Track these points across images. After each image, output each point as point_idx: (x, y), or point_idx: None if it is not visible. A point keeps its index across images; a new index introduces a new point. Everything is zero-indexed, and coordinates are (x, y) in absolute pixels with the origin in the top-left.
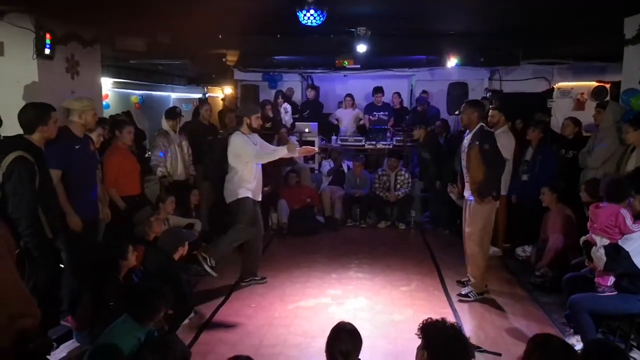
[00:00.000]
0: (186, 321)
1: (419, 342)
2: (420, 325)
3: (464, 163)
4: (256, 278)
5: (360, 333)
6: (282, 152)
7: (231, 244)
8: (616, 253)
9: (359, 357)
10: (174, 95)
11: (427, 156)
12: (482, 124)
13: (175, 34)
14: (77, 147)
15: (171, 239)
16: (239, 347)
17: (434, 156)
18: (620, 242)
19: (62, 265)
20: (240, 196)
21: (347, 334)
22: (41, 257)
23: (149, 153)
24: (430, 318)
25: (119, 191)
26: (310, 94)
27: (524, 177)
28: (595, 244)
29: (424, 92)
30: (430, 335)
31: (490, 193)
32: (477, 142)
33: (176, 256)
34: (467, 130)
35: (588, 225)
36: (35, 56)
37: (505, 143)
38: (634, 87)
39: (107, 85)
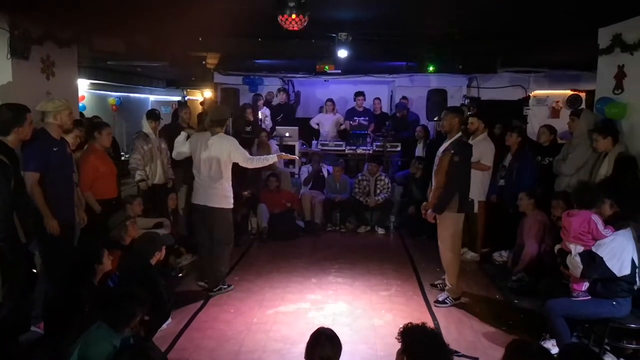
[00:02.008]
0: (163, 327)
1: (398, 346)
2: (400, 329)
3: (434, 167)
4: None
5: (340, 338)
6: (273, 159)
7: (227, 261)
8: (592, 260)
9: None
10: (152, 98)
11: (416, 192)
12: (462, 134)
13: (155, 36)
14: (55, 149)
15: (148, 243)
16: (217, 353)
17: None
18: (593, 249)
19: (35, 270)
20: (228, 206)
21: (326, 339)
22: (14, 262)
23: (126, 156)
24: (410, 323)
25: (95, 194)
26: (282, 97)
27: (501, 182)
28: (569, 252)
29: (404, 98)
30: (409, 340)
31: (444, 207)
32: (452, 151)
33: (153, 261)
34: (447, 137)
35: (561, 233)
36: (9, 56)
37: (486, 150)
38: (608, 96)
39: (84, 86)
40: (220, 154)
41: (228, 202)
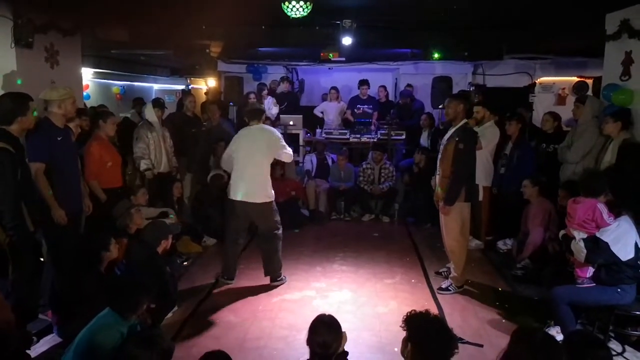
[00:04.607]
0: (170, 315)
1: (403, 334)
2: (404, 317)
3: (439, 155)
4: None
5: (345, 325)
6: None
7: (279, 252)
8: (595, 245)
9: (343, 348)
10: (156, 87)
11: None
12: (467, 120)
13: (158, 24)
14: (59, 138)
15: (155, 232)
16: (223, 341)
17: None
18: (597, 234)
19: (42, 259)
20: (272, 199)
21: (324, 326)
22: (23, 250)
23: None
24: (414, 310)
25: (100, 183)
26: (285, 86)
27: (502, 170)
28: (573, 238)
29: (409, 85)
30: (414, 327)
31: (456, 199)
32: (457, 139)
33: (160, 249)
34: (452, 124)
35: (566, 220)
36: (13, 45)
37: (490, 136)
38: (615, 83)
39: (88, 75)
40: (264, 145)
41: (269, 196)
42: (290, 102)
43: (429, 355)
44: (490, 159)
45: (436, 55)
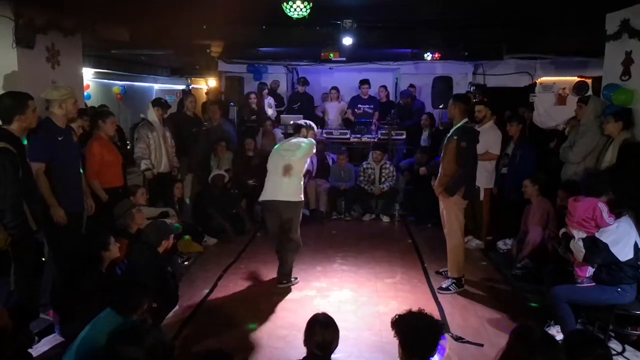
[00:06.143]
0: (170, 314)
1: None
2: (391, 322)
3: (441, 155)
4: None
5: (345, 325)
6: None
7: (294, 258)
8: (594, 246)
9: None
10: (156, 87)
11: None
12: (467, 119)
13: (159, 24)
14: (60, 138)
15: (156, 232)
16: (223, 340)
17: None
18: (597, 235)
19: (44, 258)
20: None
21: (319, 325)
22: (24, 249)
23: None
24: (397, 314)
25: (101, 183)
26: (301, 88)
27: (503, 170)
28: (573, 237)
29: (411, 85)
30: (400, 330)
31: (457, 191)
32: (456, 138)
33: (161, 249)
34: (453, 124)
35: (566, 218)
36: (14, 45)
37: (494, 138)
38: (615, 83)
39: (89, 75)
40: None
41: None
42: (303, 102)
43: (416, 349)
44: (493, 160)
45: (428, 57)
